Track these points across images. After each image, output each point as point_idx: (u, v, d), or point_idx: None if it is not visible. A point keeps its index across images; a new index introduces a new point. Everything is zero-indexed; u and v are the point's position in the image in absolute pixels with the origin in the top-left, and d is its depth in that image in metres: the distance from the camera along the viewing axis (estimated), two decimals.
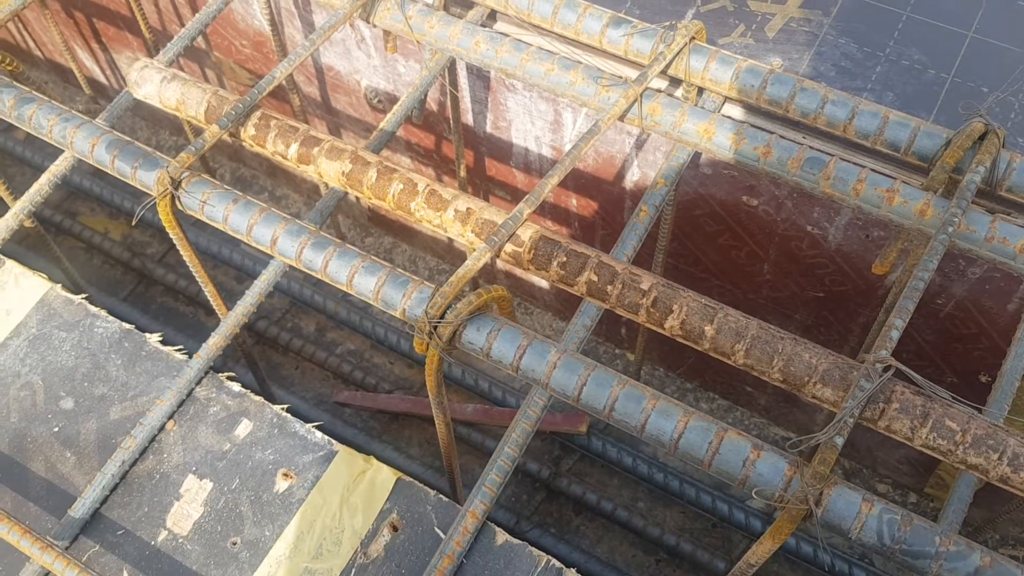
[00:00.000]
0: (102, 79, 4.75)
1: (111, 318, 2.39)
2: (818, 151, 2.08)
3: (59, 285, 2.46)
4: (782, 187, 2.75)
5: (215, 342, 2.27)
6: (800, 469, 1.67)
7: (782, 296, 3.23)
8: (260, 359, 4.06)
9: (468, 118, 3.29)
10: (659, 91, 2.23)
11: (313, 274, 2.00)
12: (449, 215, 2.01)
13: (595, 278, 1.90)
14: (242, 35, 3.68)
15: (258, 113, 2.18)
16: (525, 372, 1.83)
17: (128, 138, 2.19)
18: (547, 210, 3.48)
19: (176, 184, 2.07)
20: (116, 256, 4.52)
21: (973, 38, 2.60)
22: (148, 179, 2.11)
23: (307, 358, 4.20)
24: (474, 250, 1.94)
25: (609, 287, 1.89)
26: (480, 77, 3.08)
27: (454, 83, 3.05)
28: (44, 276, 2.48)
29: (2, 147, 4.79)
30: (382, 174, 2.06)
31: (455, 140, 3.27)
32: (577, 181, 3.25)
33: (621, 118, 2.17)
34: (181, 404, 2.23)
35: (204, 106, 2.22)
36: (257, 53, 3.76)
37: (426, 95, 2.68)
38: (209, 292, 2.41)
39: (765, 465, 1.68)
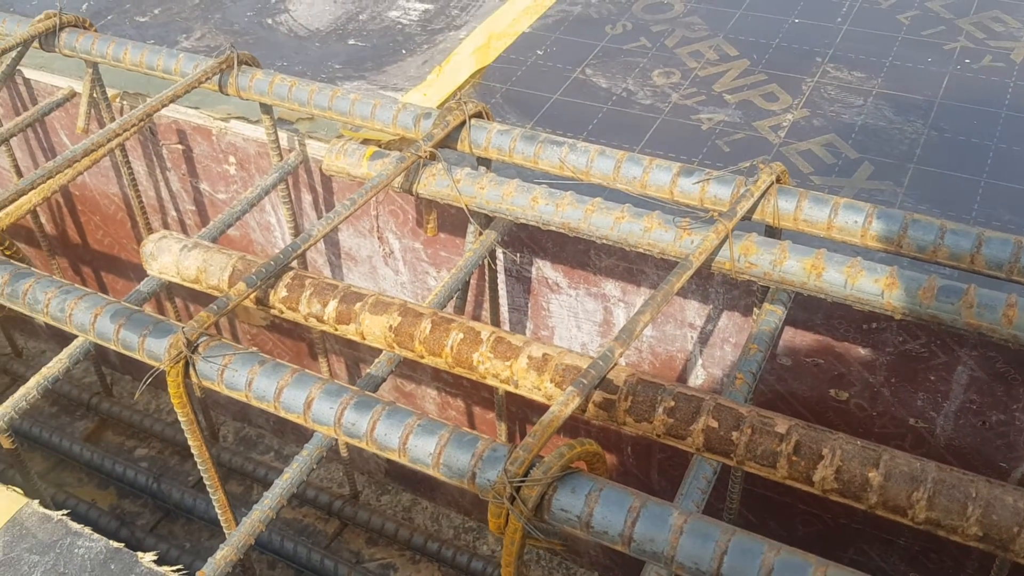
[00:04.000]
0: None
1: (96, 536, 1.93)
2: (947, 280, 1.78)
3: (36, 501, 2.02)
4: (878, 372, 2.41)
5: (224, 555, 1.81)
6: None
7: (883, 517, 2.76)
8: None
9: (505, 329, 3.00)
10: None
11: (356, 443, 1.60)
12: (521, 364, 1.66)
13: (715, 424, 1.52)
14: None
15: (291, 273, 1.89)
16: (640, 544, 1.39)
17: (137, 307, 1.87)
18: (593, 428, 3.09)
19: (192, 348, 1.72)
20: (103, 527, 4.01)
21: None
22: (159, 348, 1.77)
23: None
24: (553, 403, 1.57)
25: (735, 434, 1.50)
26: (520, 279, 2.84)
27: (494, 287, 2.80)
28: (19, 491, 2.04)
29: None
30: (437, 324, 1.73)
31: None
32: None
33: (710, 261, 1.89)
34: None
35: (229, 271, 1.94)
36: None
37: (468, 281, 2.42)
38: (217, 500, 1.97)
39: None
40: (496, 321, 2.89)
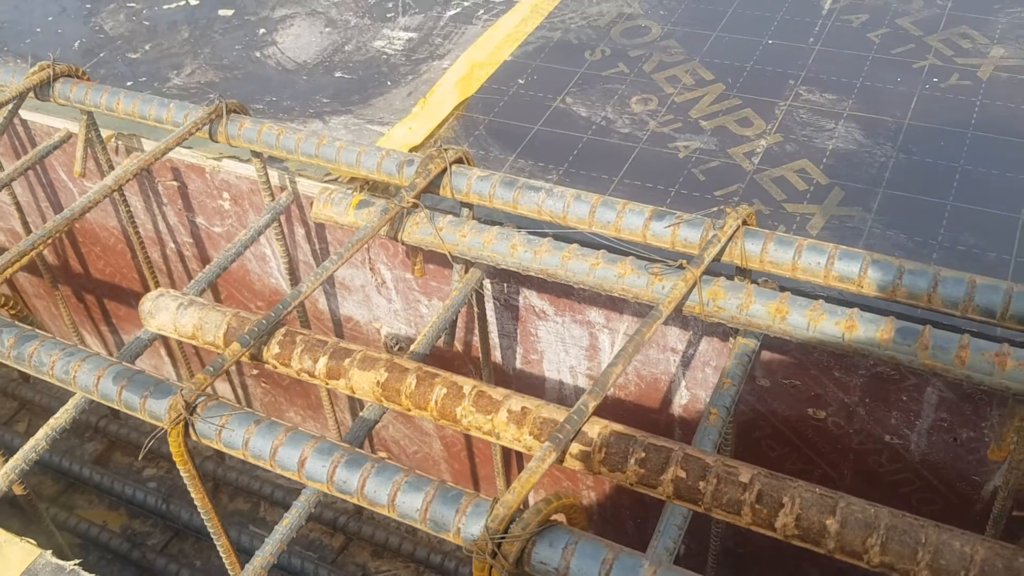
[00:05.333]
0: None
1: None
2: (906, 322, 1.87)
3: (49, 552, 2.13)
4: (852, 392, 2.51)
5: None
6: None
7: None
8: None
9: (496, 354, 3.10)
10: (718, 276, 2.05)
11: (347, 498, 1.70)
12: (501, 417, 1.76)
13: (683, 474, 1.61)
14: (258, 296, 3.59)
15: (282, 330, 1.99)
16: None
17: (139, 368, 1.97)
18: None
19: (191, 409, 1.82)
20: (114, 548, 4.13)
21: None
22: (159, 408, 1.87)
23: None
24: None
25: (701, 483, 1.60)
26: (508, 307, 2.93)
27: (482, 316, 2.89)
28: (32, 542, 2.15)
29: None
30: (422, 380, 1.83)
31: (485, 379, 3.06)
32: (617, 411, 3.00)
33: (680, 307, 1.98)
34: None
35: (223, 328, 2.03)
36: None
37: (456, 318, 2.52)
38: (221, 545, 2.08)
39: None
40: (486, 347, 2.98)
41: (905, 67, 3.04)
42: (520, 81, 3.24)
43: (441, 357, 3.19)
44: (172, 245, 3.67)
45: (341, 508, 4.15)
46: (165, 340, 4.06)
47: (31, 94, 2.93)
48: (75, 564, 2.11)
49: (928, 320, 1.99)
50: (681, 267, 1.96)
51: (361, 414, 2.22)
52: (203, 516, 2.03)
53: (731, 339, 2.29)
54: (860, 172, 2.69)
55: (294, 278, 3.23)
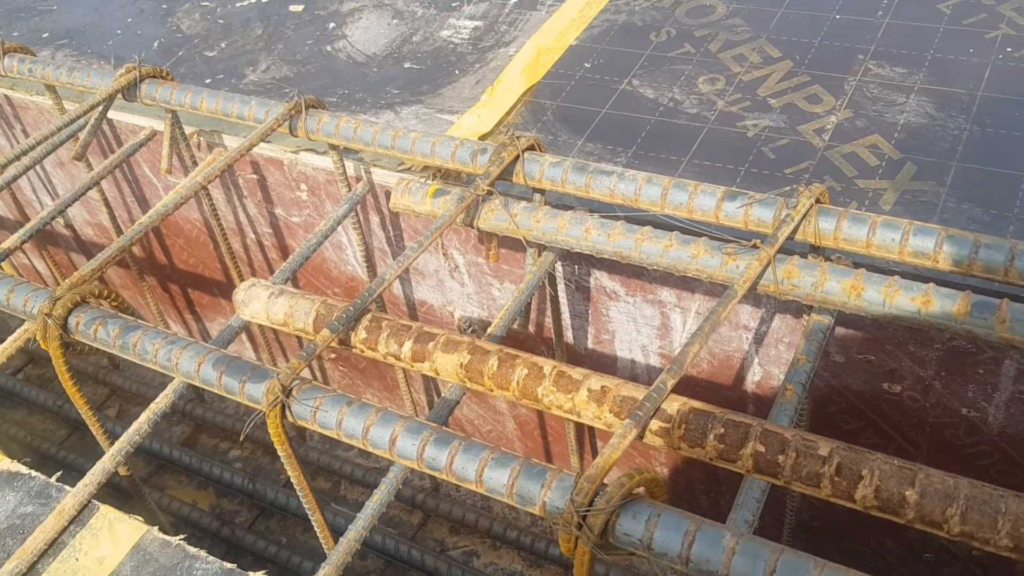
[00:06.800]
0: None
1: (211, 559, 2.17)
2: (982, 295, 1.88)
3: (156, 528, 2.26)
4: (928, 366, 2.51)
5: (327, 573, 2.02)
6: None
7: None
8: None
9: (568, 335, 3.17)
10: (791, 254, 2.08)
11: (437, 475, 1.79)
12: (582, 396, 1.82)
13: (762, 449, 1.66)
14: (335, 282, 3.71)
15: (368, 316, 2.08)
16: (698, 564, 1.55)
17: (235, 354, 2.08)
18: None
19: (287, 392, 1.93)
20: (205, 527, 4.32)
21: None
22: (257, 391, 1.98)
23: None
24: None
25: (780, 457, 1.64)
26: (579, 289, 2.99)
27: (555, 298, 2.96)
28: (140, 519, 2.29)
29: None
30: (503, 361, 1.90)
31: (558, 359, 3.12)
32: (692, 389, 3.04)
33: (754, 286, 2.01)
34: None
35: (313, 316, 2.13)
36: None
37: (531, 300, 2.58)
38: (316, 521, 2.19)
39: None
40: (559, 328, 3.05)
41: (977, 37, 3.00)
42: (586, 65, 3.27)
43: (515, 338, 3.27)
44: (252, 235, 3.81)
45: (418, 486, 4.27)
46: (247, 325, 4.21)
47: (119, 95, 3.07)
48: (180, 539, 2.24)
49: (1005, 293, 1.99)
50: (755, 247, 1.99)
51: (444, 395, 2.30)
52: (299, 493, 2.14)
53: (804, 316, 2.31)
54: (933, 146, 2.67)
55: (370, 265, 3.33)
